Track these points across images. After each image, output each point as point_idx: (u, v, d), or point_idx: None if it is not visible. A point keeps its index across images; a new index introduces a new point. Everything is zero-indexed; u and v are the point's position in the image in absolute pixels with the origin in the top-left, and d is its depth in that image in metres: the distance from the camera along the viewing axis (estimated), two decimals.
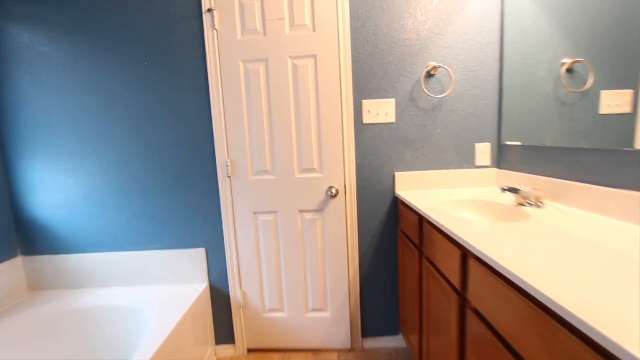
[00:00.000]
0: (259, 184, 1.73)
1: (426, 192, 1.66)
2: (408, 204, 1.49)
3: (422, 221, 1.36)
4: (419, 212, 1.35)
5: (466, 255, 0.97)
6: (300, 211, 1.75)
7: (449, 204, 1.48)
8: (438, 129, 1.69)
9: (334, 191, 1.68)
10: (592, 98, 1.12)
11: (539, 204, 1.27)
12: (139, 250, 1.81)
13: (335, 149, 1.69)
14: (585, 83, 1.14)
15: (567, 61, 1.22)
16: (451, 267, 1.05)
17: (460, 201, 1.49)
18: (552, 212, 1.17)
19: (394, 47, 1.64)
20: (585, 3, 1.13)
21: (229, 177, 1.73)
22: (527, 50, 1.44)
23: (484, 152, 1.70)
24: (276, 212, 1.76)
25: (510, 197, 1.44)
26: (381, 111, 1.68)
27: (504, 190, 1.35)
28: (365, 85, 1.67)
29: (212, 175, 1.74)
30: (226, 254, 1.79)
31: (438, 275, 1.18)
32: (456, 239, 0.97)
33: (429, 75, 1.66)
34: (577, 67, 1.18)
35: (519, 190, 1.33)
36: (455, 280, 1.02)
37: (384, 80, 1.66)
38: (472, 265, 0.91)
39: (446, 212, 1.24)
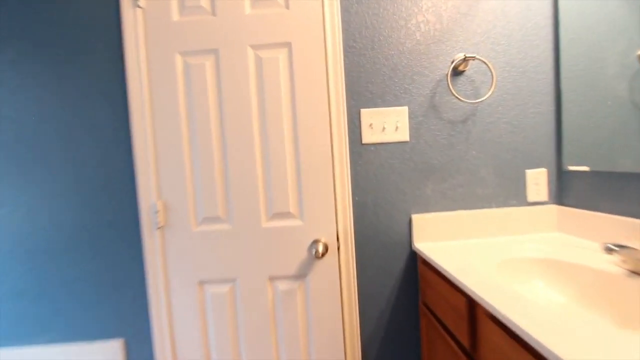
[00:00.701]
0: (207, 238, 1.13)
1: (460, 243, 1.11)
2: (438, 267, 0.93)
3: (475, 308, 0.79)
4: (465, 290, 0.78)
5: None
6: (271, 278, 1.15)
7: (507, 269, 0.92)
8: (472, 150, 1.15)
9: (320, 247, 1.10)
10: None
11: None
12: (17, 345, 1.15)
13: (322, 182, 1.12)
14: None
15: None
16: None
17: (523, 261, 0.94)
18: None
19: (403, 34, 1.13)
20: None
21: (160, 228, 1.13)
22: (591, 37, 1.02)
23: (538, 181, 1.17)
24: (234, 279, 1.15)
25: (603, 256, 0.89)
26: (389, 124, 1.14)
27: (609, 250, 0.80)
28: (365, 87, 1.13)
29: (132, 226, 1.13)
30: (155, 346, 1.15)
31: None
32: None
33: (456, 72, 1.14)
34: None
35: (625, 246, 0.79)
36: None
37: (391, 80, 1.13)
38: None
39: (515, 293, 0.68)
